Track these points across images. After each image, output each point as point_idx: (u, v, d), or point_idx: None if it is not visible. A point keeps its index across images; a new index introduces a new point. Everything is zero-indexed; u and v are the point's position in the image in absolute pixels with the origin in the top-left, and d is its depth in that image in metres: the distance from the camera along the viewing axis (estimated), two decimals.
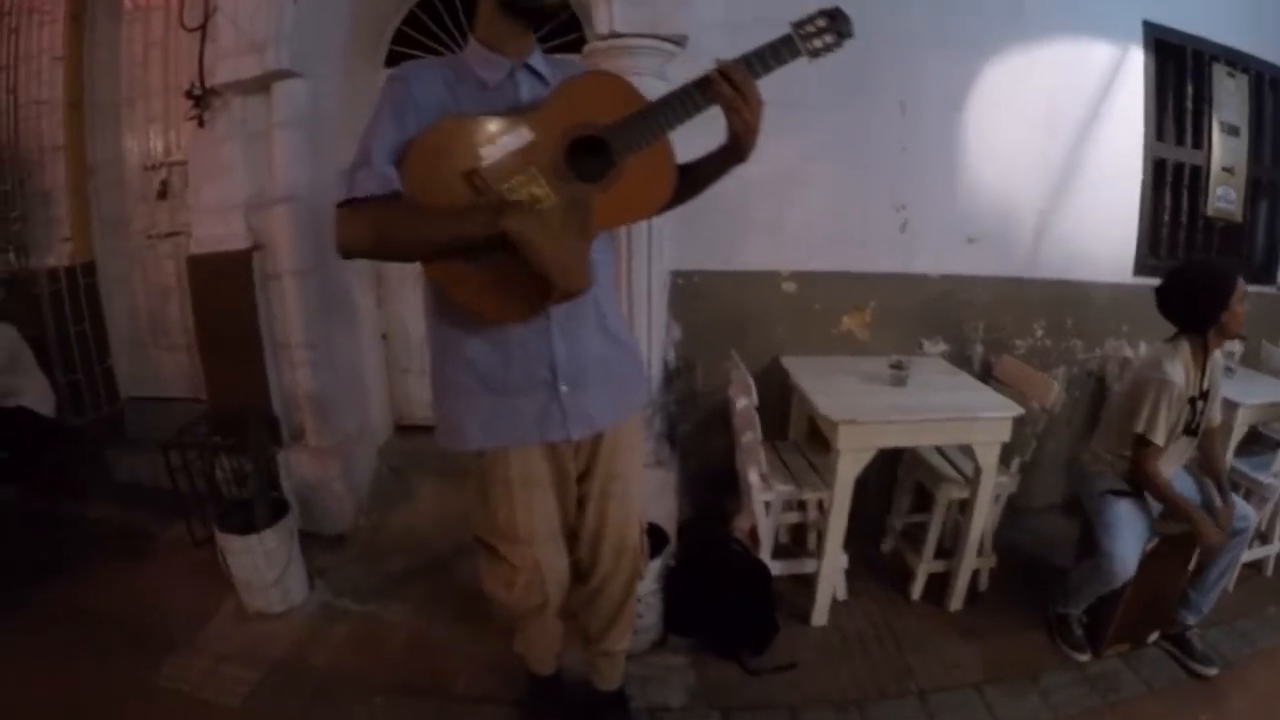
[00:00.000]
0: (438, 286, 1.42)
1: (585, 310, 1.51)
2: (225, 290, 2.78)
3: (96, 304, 3.34)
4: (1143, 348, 3.15)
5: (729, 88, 1.33)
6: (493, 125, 1.35)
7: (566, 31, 3.06)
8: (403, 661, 2.31)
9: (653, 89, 1.95)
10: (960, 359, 3.10)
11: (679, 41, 2.56)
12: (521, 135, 1.35)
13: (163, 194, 3.11)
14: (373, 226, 1.32)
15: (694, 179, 1.54)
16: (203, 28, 2.73)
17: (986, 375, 2.98)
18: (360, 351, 3.14)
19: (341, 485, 2.87)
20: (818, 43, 1.36)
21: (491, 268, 1.33)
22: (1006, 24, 2.91)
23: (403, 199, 1.32)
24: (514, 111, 1.39)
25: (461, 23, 3.11)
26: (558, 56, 1.55)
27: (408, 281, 3.38)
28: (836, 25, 1.36)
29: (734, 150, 1.44)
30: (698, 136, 1.46)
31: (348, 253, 1.38)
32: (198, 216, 2.84)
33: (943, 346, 3.10)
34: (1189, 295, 2.24)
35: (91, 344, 3.32)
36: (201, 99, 2.72)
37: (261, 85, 2.61)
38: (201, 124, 2.76)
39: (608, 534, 1.74)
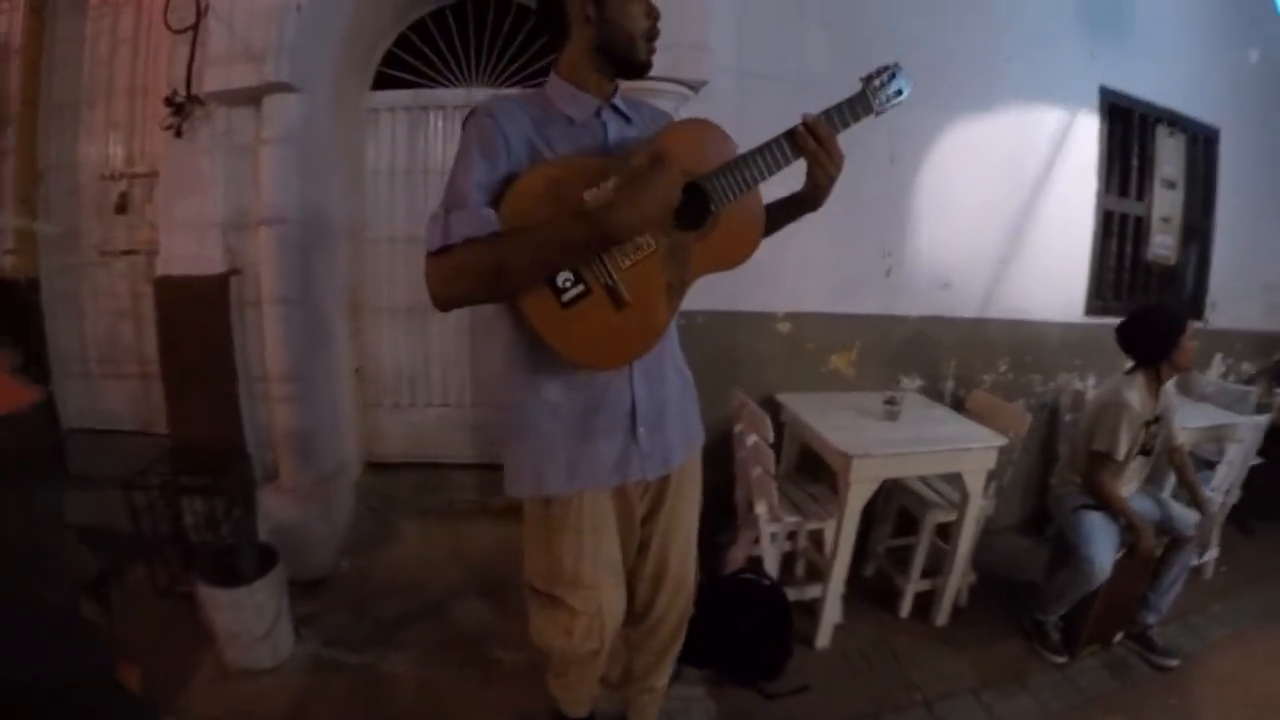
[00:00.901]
0: (528, 331, 1.37)
1: (663, 353, 1.54)
2: (197, 316, 2.55)
3: (39, 324, 2.97)
4: (1091, 380, 3.52)
5: (814, 142, 1.41)
6: (596, 168, 1.34)
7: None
8: (414, 716, 2.17)
9: None
10: (933, 394, 3.33)
11: (696, 86, 2.66)
12: None
13: (121, 208, 2.82)
14: (461, 267, 1.26)
15: (769, 225, 1.58)
16: (193, 30, 2.50)
17: (958, 408, 3.21)
18: (337, 385, 2.96)
19: (322, 527, 2.68)
20: (883, 96, 1.47)
21: (588, 314, 1.33)
22: (984, 88, 3.24)
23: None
24: (615, 155, 1.40)
25: (456, 48, 3.08)
26: (634, 96, 1.57)
27: (384, 313, 3.25)
28: (898, 82, 1.47)
29: (810, 200, 1.52)
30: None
31: (448, 302, 1.31)
32: (169, 234, 2.60)
33: (919, 382, 3.33)
34: (1145, 333, 2.59)
35: (31, 368, 2.93)
36: (182, 107, 2.50)
37: (252, 97, 2.46)
38: (179, 134, 2.54)
39: (669, 573, 1.74)
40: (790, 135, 1.42)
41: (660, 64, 2.53)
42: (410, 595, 2.68)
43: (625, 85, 1.48)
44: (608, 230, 1.27)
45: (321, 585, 2.68)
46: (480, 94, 3.15)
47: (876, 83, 1.46)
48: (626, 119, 1.50)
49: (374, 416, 3.31)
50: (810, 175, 1.46)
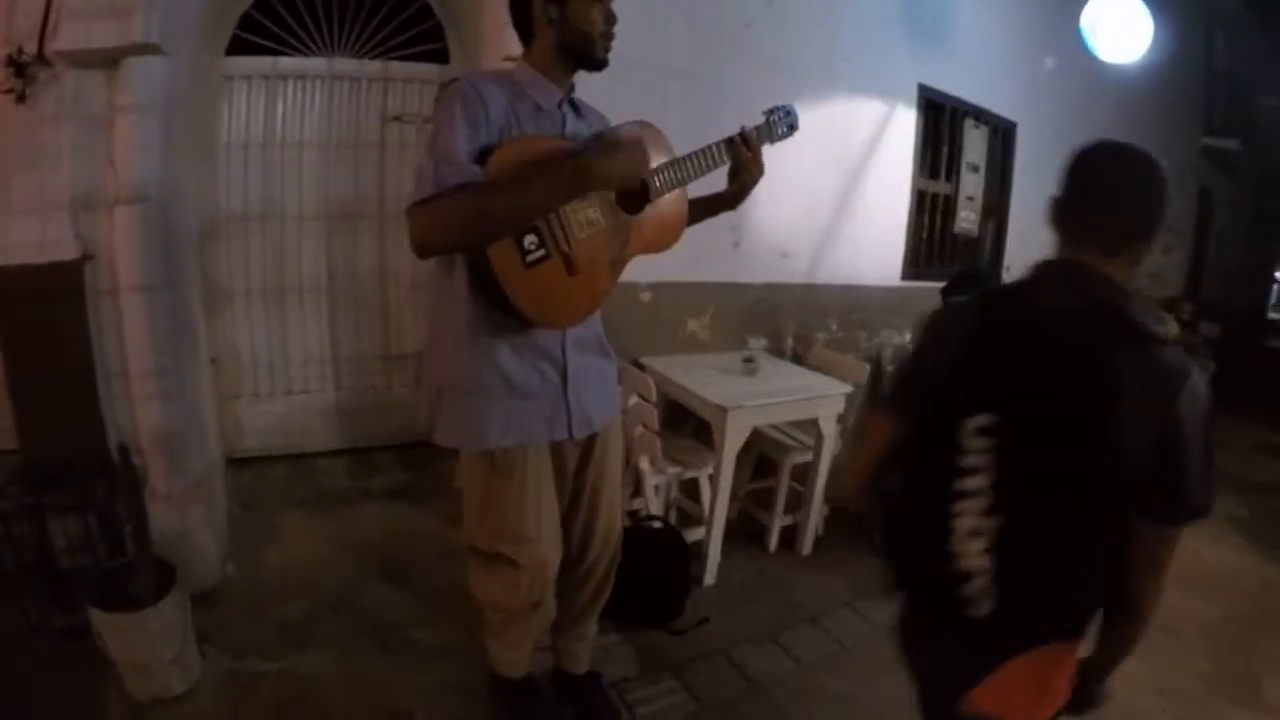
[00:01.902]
0: (481, 296, 1.54)
1: (590, 326, 1.75)
2: (46, 310, 2.17)
3: None
4: (909, 336, 4.14)
5: (747, 151, 1.71)
6: (563, 148, 1.52)
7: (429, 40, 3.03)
8: (352, 712, 2.11)
9: None
10: (776, 351, 3.74)
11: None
12: None
13: None
14: (451, 208, 1.39)
15: (691, 218, 1.84)
16: None
17: (798, 362, 3.66)
18: (201, 379, 2.70)
19: (206, 534, 2.46)
20: (781, 129, 1.80)
21: (546, 275, 1.50)
22: (822, 82, 3.66)
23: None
24: (575, 141, 1.59)
25: (319, 13, 2.86)
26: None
27: (239, 297, 2.99)
28: (789, 120, 1.82)
29: (733, 200, 1.81)
30: None
31: (425, 247, 1.44)
32: (6, 217, 2.17)
33: (764, 342, 3.72)
34: (961, 293, 3.11)
35: None
36: (25, 68, 2.09)
37: (108, 59, 2.13)
38: (22, 99, 2.12)
39: (599, 524, 1.93)
40: (729, 142, 1.70)
41: None
42: (309, 591, 2.56)
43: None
44: (589, 173, 1.42)
45: (212, 596, 2.46)
46: (343, 65, 2.98)
47: (774, 117, 1.78)
48: (579, 114, 1.69)
49: (233, 409, 3.07)
50: (739, 179, 1.74)
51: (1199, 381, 1.04)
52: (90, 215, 2.23)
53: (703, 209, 1.86)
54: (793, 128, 1.82)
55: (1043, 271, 1.16)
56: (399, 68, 3.12)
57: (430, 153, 1.44)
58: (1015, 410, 1.10)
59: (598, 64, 1.63)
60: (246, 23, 2.85)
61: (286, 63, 2.93)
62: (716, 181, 1.77)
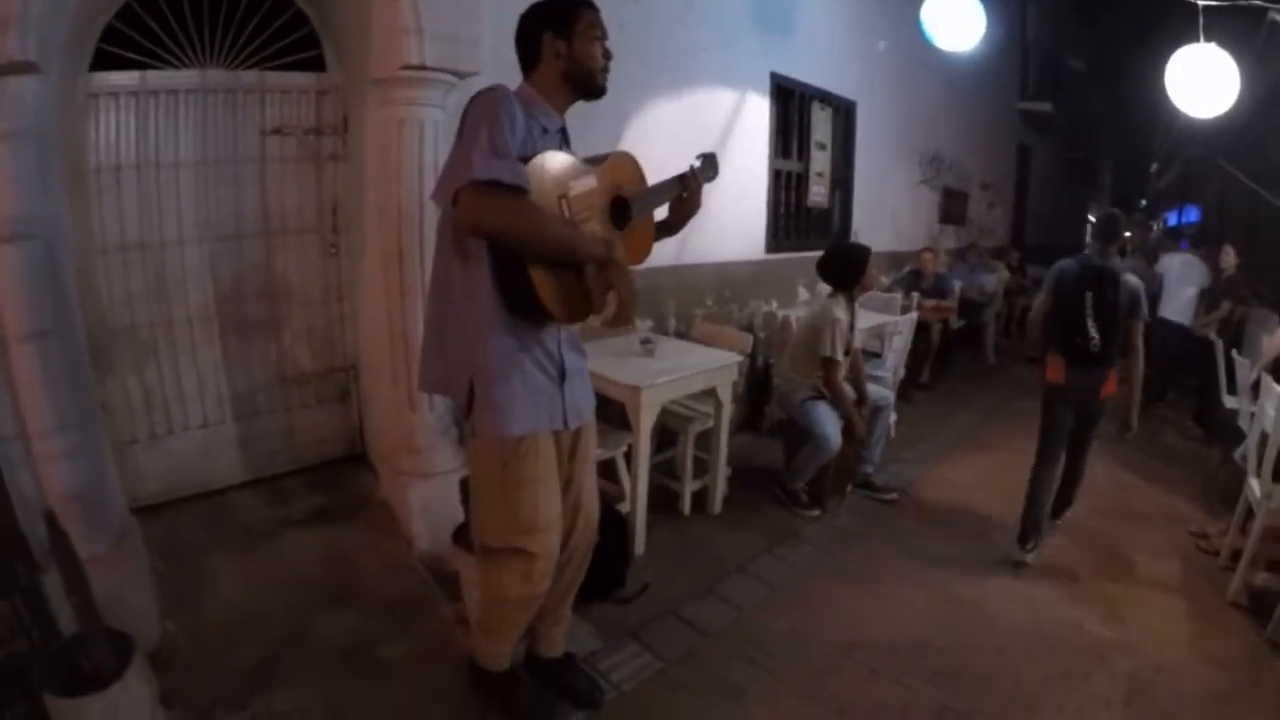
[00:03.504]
0: (504, 295, 1.73)
1: (574, 329, 1.97)
2: None
3: None
4: (775, 304, 4.60)
5: (694, 184, 2.02)
6: (578, 166, 1.76)
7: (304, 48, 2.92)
8: None
9: (432, 116, 2.79)
10: (661, 331, 4.00)
11: (465, 76, 2.78)
12: (591, 182, 1.79)
13: None
14: (515, 213, 1.58)
15: None
16: None
17: (683, 338, 3.95)
18: (98, 427, 2.46)
19: (139, 592, 2.30)
20: (709, 174, 2.10)
21: (567, 281, 1.72)
22: (685, 73, 3.95)
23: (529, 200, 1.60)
24: (579, 158, 1.80)
25: (188, 22, 2.64)
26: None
27: (121, 334, 2.75)
28: (715, 164, 2.14)
29: (674, 227, 2.11)
30: None
31: (478, 228, 1.60)
32: None
33: (649, 323, 3.96)
34: (841, 265, 3.59)
35: None
36: None
37: None
38: None
39: (583, 507, 2.11)
40: (682, 177, 2.01)
41: (441, 56, 2.70)
42: (260, 631, 2.45)
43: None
44: (597, 257, 1.70)
45: (158, 658, 2.29)
46: (216, 76, 2.78)
47: (705, 163, 2.08)
48: (568, 141, 1.91)
49: (130, 455, 2.82)
50: (682, 209, 2.04)
51: (1131, 280, 3.11)
52: None
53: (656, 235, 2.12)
54: (716, 172, 2.13)
55: (1093, 254, 3.19)
56: (275, 78, 2.97)
57: (478, 142, 1.56)
58: (1095, 290, 3.04)
59: (598, 92, 1.87)
60: (109, 35, 2.59)
61: (155, 77, 2.70)
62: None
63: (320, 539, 2.97)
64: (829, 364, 3.49)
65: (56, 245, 2.16)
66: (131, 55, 2.65)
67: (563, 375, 1.90)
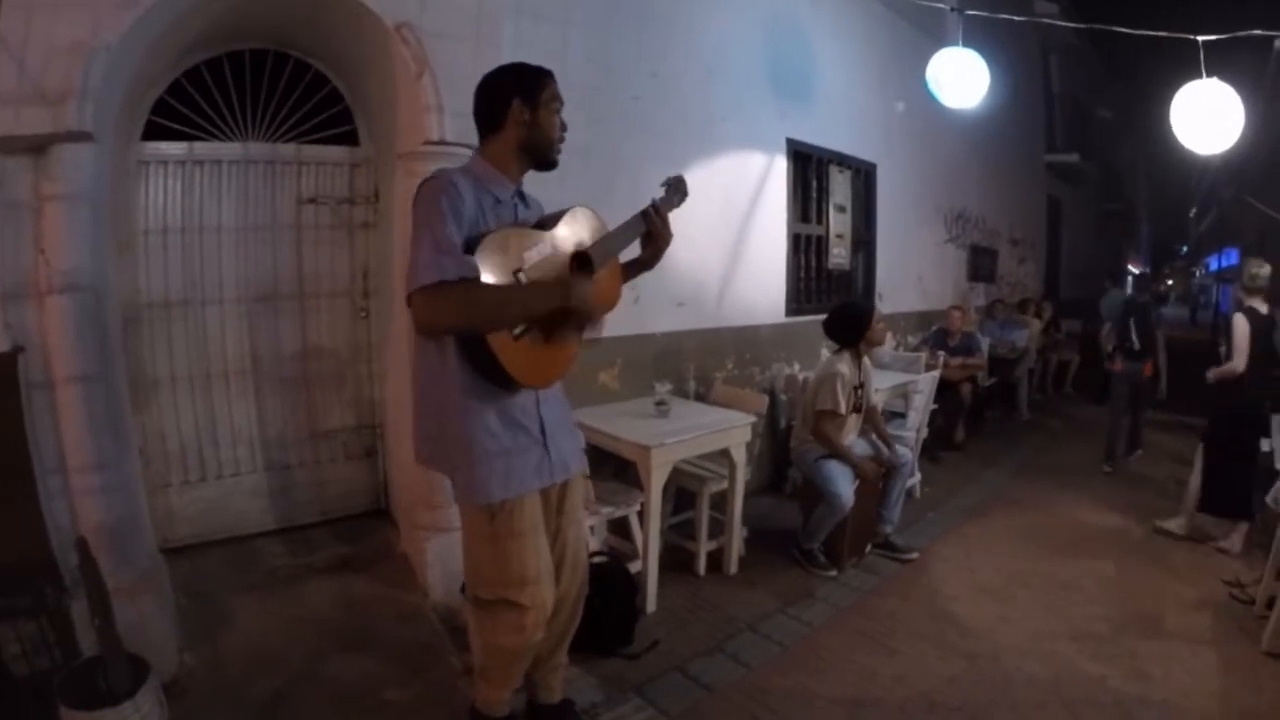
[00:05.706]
0: (473, 368, 1.77)
1: (554, 384, 2.00)
2: None
3: None
4: (797, 366, 4.65)
5: (657, 220, 2.02)
6: (530, 237, 1.82)
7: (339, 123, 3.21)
8: None
9: None
10: (680, 393, 4.06)
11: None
12: (545, 248, 1.85)
13: None
14: (467, 303, 1.65)
15: (624, 278, 2.15)
16: None
17: (701, 401, 4.01)
18: (135, 467, 2.64)
19: (160, 624, 2.42)
20: (675, 199, 2.14)
21: (532, 342, 1.78)
22: (700, 143, 4.12)
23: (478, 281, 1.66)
24: (538, 228, 1.87)
25: (232, 99, 2.95)
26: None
27: (164, 385, 2.96)
28: (682, 188, 2.17)
29: (648, 264, 2.12)
30: None
31: (433, 328, 1.70)
32: None
33: (669, 385, 3.99)
34: (844, 323, 3.65)
35: None
36: None
37: (34, 146, 2.12)
38: None
39: (568, 557, 2.14)
40: (643, 214, 2.01)
41: (461, 131, 2.95)
42: (274, 670, 2.54)
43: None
44: (556, 304, 1.74)
45: (173, 688, 2.39)
46: (257, 149, 3.07)
47: (670, 187, 2.12)
48: (525, 204, 1.97)
49: (163, 498, 2.99)
50: (653, 244, 2.04)
51: (1154, 307, 5.98)
52: (20, 306, 2.20)
53: (628, 273, 2.14)
54: (684, 195, 2.15)
55: (1136, 296, 6.27)
56: (311, 151, 3.25)
57: (422, 243, 1.65)
58: (1133, 317, 5.55)
59: (552, 164, 1.94)
60: (160, 108, 2.90)
61: (201, 147, 2.99)
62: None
63: (340, 586, 3.06)
64: (821, 416, 3.53)
65: (104, 298, 2.39)
66: (180, 127, 2.94)
67: (544, 432, 1.94)
